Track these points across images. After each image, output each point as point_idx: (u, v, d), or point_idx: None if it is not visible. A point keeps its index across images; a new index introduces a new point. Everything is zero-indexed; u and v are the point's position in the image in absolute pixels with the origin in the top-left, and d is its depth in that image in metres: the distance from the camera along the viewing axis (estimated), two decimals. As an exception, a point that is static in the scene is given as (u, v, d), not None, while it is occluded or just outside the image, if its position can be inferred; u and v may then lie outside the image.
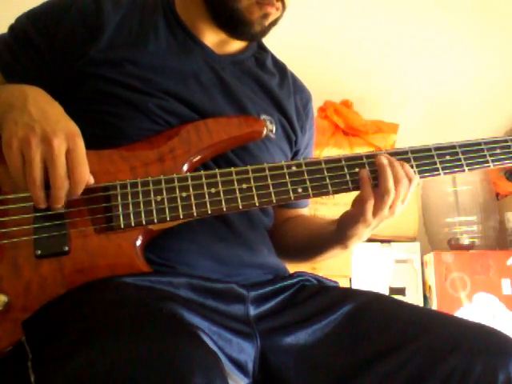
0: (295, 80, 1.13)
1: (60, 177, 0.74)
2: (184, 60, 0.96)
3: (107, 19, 0.93)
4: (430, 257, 2.12)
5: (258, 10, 0.94)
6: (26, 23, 0.94)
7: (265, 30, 0.99)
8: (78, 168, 0.76)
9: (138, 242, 0.80)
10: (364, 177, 0.87)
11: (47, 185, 0.76)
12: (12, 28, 0.95)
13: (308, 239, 1.04)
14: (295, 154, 1.09)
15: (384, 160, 0.88)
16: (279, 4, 0.95)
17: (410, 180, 0.87)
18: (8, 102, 0.80)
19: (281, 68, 1.12)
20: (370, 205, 0.86)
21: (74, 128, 0.78)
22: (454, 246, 2.17)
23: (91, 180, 0.78)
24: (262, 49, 1.11)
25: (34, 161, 0.73)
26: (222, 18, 0.97)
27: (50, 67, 0.92)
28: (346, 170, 0.88)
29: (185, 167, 0.86)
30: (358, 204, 0.88)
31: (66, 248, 0.77)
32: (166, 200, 0.81)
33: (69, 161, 0.75)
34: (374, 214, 0.87)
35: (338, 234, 0.94)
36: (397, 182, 0.86)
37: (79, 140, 0.77)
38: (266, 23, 0.97)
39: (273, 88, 1.05)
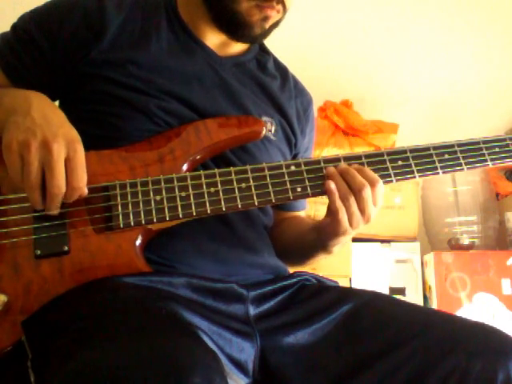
0: (296, 83, 1.13)
1: (57, 184, 0.74)
2: (186, 61, 0.96)
3: (110, 20, 0.93)
4: (429, 257, 2.12)
5: (258, 12, 0.93)
6: (29, 23, 0.93)
7: (265, 33, 0.99)
8: (76, 175, 0.76)
9: (138, 242, 0.81)
10: (329, 189, 0.85)
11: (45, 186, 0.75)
12: (15, 27, 0.95)
13: (293, 243, 1.04)
14: (294, 157, 1.09)
15: (331, 169, 0.86)
16: (280, 7, 0.95)
17: (371, 184, 0.85)
18: (12, 107, 0.80)
19: (282, 71, 1.11)
20: (343, 215, 0.85)
21: (75, 135, 0.78)
22: (454, 246, 2.17)
23: (85, 192, 0.78)
24: (264, 51, 1.10)
25: (33, 165, 0.74)
26: (222, 20, 0.97)
27: (52, 67, 0.92)
28: None
29: (184, 167, 0.86)
30: (332, 216, 0.86)
31: (66, 248, 0.77)
32: (165, 200, 0.81)
33: (67, 167, 0.76)
34: (350, 222, 0.85)
35: (320, 242, 0.93)
36: (359, 189, 0.84)
37: (79, 147, 0.77)
38: (267, 26, 0.97)
39: (274, 90, 1.05)
